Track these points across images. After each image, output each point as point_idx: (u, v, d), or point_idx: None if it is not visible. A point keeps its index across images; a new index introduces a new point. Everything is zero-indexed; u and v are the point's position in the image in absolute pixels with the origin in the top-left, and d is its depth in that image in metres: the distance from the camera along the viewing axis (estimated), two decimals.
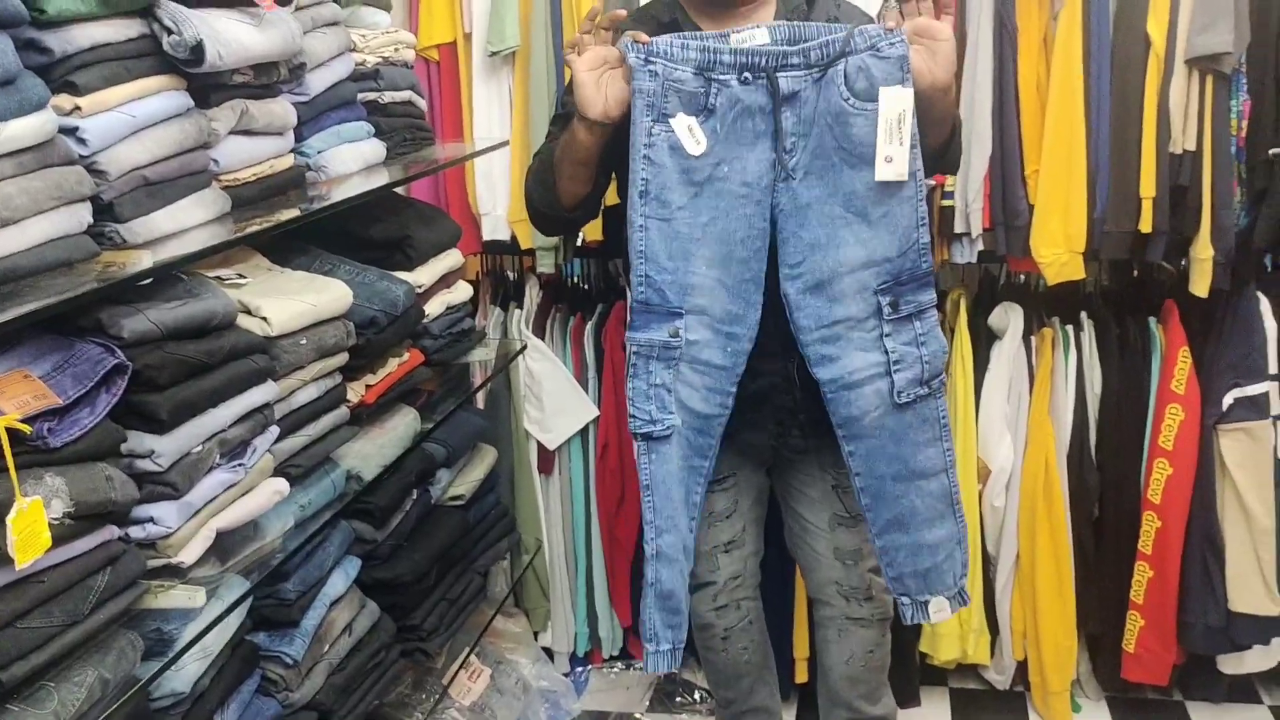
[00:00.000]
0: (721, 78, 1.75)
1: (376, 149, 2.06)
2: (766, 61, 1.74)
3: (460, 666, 2.32)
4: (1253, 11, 2.33)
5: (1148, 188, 2.42)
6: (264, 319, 1.60)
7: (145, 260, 1.32)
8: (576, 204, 1.99)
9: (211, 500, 1.45)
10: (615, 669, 3.01)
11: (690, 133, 1.76)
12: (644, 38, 1.75)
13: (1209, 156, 2.39)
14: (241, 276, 1.70)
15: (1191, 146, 2.39)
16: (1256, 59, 2.36)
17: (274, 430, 1.59)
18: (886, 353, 1.84)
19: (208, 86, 1.58)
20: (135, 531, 1.35)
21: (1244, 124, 2.39)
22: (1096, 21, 2.42)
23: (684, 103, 1.75)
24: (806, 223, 1.80)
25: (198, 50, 1.47)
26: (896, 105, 1.73)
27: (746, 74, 1.74)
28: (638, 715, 2.84)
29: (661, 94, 1.75)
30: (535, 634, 2.92)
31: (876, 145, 1.75)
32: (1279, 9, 2.34)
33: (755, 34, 1.77)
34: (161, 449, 1.36)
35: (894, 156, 1.76)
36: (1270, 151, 2.36)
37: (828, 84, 1.75)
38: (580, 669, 3.01)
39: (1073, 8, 2.41)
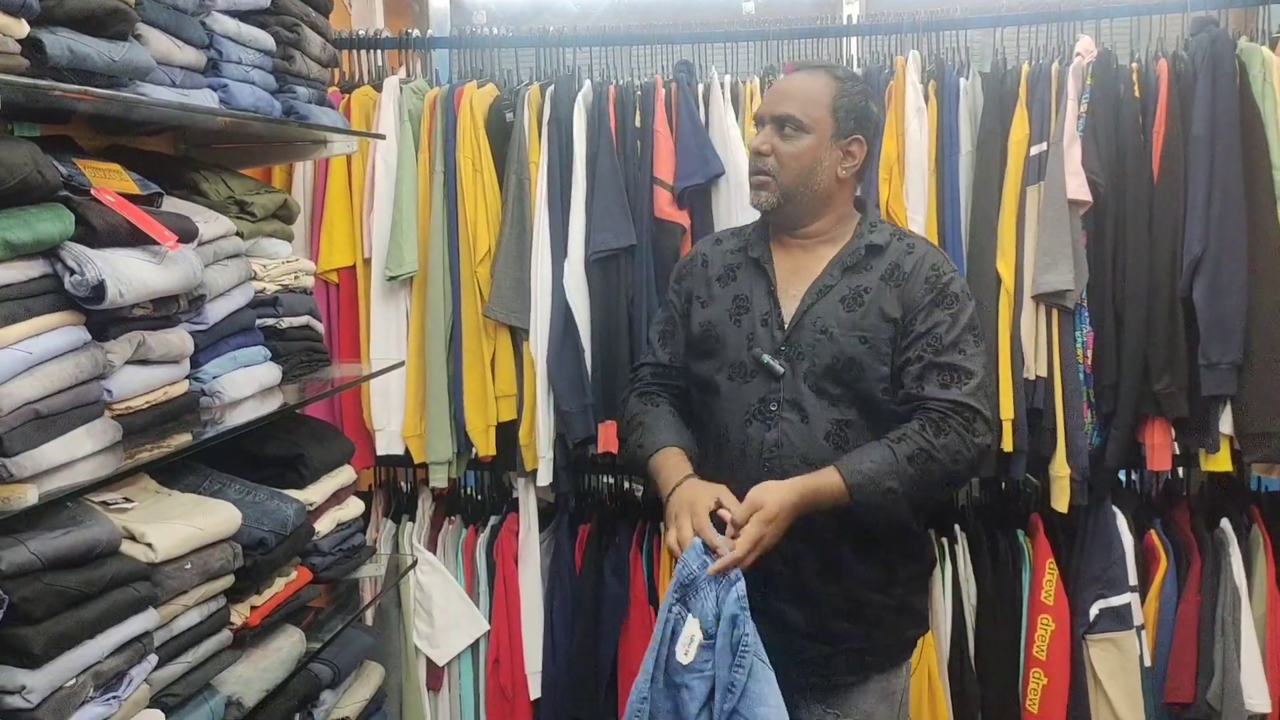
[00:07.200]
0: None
1: (272, 372, 2.08)
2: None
3: None
4: (1090, 253, 2.57)
5: (1006, 410, 2.59)
6: (148, 545, 1.59)
7: (31, 495, 1.34)
8: None
9: None
10: None
11: (691, 642, 1.82)
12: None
13: (1059, 382, 2.58)
14: (128, 501, 1.69)
15: (1044, 373, 2.58)
16: (1095, 295, 2.59)
17: (152, 659, 1.57)
18: None
19: (106, 320, 1.60)
20: None
21: (1089, 353, 2.59)
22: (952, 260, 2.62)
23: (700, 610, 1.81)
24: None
25: (99, 289, 1.51)
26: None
27: None
28: None
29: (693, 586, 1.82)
30: None
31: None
32: (1113, 251, 2.58)
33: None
34: (33, 684, 1.34)
35: None
36: None
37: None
38: None
39: None
